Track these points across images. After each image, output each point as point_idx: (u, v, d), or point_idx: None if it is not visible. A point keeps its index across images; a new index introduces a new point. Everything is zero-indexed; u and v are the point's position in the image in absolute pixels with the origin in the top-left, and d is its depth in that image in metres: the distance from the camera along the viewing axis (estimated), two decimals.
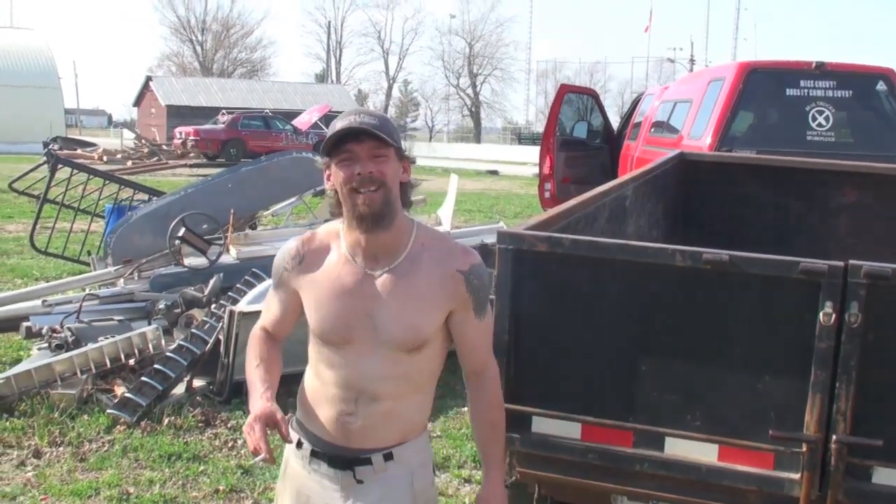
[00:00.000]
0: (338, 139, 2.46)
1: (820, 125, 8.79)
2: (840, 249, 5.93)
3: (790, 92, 8.95)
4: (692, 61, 67.46)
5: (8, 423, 5.93)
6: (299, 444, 2.68)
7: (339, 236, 2.61)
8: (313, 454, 2.65)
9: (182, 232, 8.03)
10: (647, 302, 3.30)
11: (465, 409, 2.95)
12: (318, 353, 2.63)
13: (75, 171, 10.22)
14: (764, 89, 9.05)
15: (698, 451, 3.23)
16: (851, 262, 3.00)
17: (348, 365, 2.56)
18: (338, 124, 2.48)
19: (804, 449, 3.07)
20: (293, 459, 2.73)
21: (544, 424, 3.40)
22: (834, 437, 3.03)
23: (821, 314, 3.00)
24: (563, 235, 3.43)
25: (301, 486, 2.70)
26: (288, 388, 2.88)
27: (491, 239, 7.79)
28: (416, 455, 2.68)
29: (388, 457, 2.61)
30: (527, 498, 3.67)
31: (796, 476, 3.10)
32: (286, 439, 2.52)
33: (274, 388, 2.68)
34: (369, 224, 2.47)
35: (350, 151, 2.45)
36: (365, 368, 2.54)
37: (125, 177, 13.76)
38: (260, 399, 2.57)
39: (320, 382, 2.63)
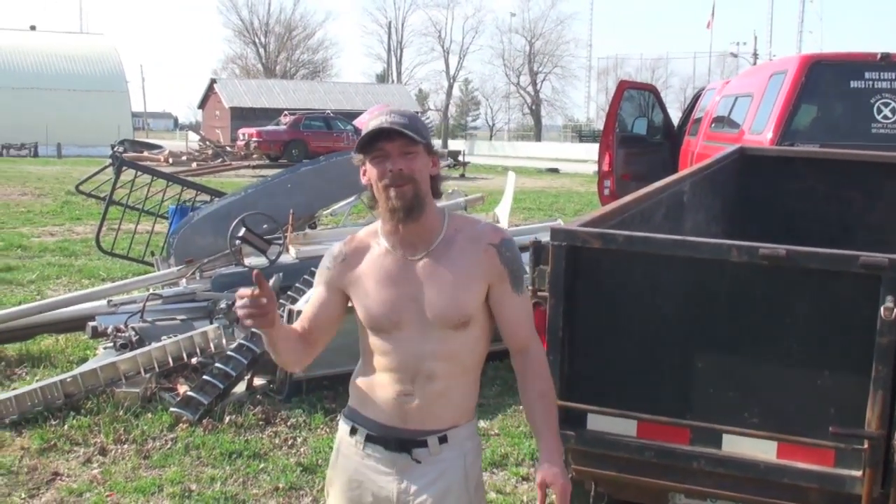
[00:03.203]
0: (370, 138, 2.61)
1: (885, 117, 8.61)
2: None
3: (854, 84, 8.77)
4: (755, 56, 66.54)
5: (75, 421, 6.04)
6: (353, 431, 2.78)
7: (377, 234, 2.76)
8: (368, 439, 2.74)
9: (242, 232, 8.10)
10: (704, 298, 3.27)
11: (523, 406, 2.95)
12: (371, 345, 2.73)
13: (139, 174, 10.37)
14: (827, 82, 8.88)
15: (756, 449, 3.19)
16: None
17: (402, 349, 2.67)
18: (370, 123, 2.62)
19: (866, 446, 3.02)
20: (345, 446, 2.81)
21: (600, 422, 3.39)
22: None
23: (882, 309, 2.95)
24: (617, 232, 3.41)
25: (353, 473, 2.78)
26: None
27: (546, 236, 7.75)
28: (469, 440, 2.78)
29: (443, 440, 2.70)
30: (583, 495, 3.65)
31: (858, 473, 3.05)
32: (259, 293, 2.44)
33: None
34: (401, 216, 2.62)
35: (382, 150, 2.61)
36: (418, 349, 2.66)
37: (189, 178, 13.96)
38: None
39: (376, 370, 2.72)
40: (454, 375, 2.69)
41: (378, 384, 2.72)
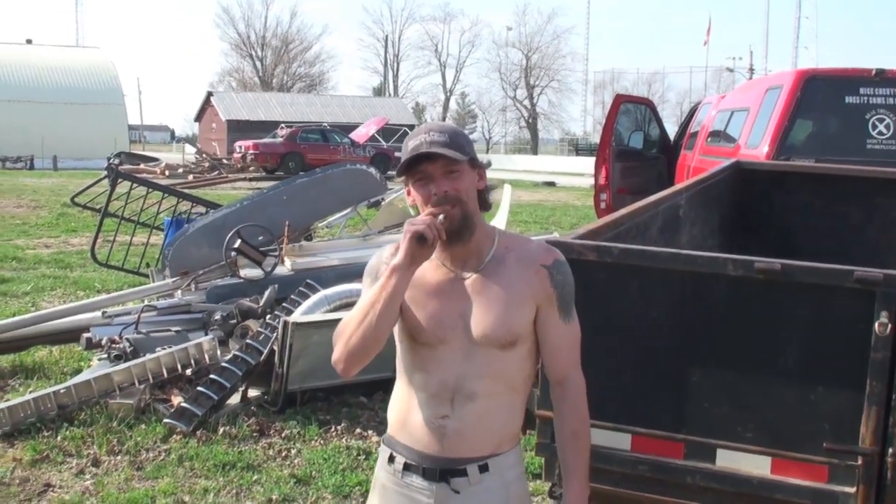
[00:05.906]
0: (411, 162, 2.52)
1: (880, 133, 8.64)
2: None
3: (849, 100, 8.82)
4: (751, 70, 66.74)
5: (68, 433, 6.02)
6: (391, 459, 2.67)
7: None
8: (406, 467, 2.63)
9: (238, 244, 8.10)
10: (699, 312, 3.27)
11: (556, 443, 2.84)
12: (410, 359, 2.64)
13: (135, 185, 10.36)
14: (822, 97, 8.92)
15: (750, 464, 3.19)
16: None
17: (443, 365, 2.57)
18: (409, 144, 2.54)
19: (860, 462, 3.02)
20: (383, 474, 2.71)
21: (594, 435, 3.35)
22: (890, 450, 2.97)
23: (876, 324, 2.95)
24: (613, 245, 3.41)
25: (392, 502, 2.68)
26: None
27: None
28: (512, 468, 2.65)
29: (484, 468, 2.59)
30: None
31: (851, 490, 3.05)
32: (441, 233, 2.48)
33: None
34: (451, 239, 2.53)
35: (424, 172, 2.52)
36: (460, 366, 2.56)
37: (185, 190, 13.96)
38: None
39: (414, 389, 2.63)
40: (497, 395, 2.58)
41: (416, 407, 2.61)
